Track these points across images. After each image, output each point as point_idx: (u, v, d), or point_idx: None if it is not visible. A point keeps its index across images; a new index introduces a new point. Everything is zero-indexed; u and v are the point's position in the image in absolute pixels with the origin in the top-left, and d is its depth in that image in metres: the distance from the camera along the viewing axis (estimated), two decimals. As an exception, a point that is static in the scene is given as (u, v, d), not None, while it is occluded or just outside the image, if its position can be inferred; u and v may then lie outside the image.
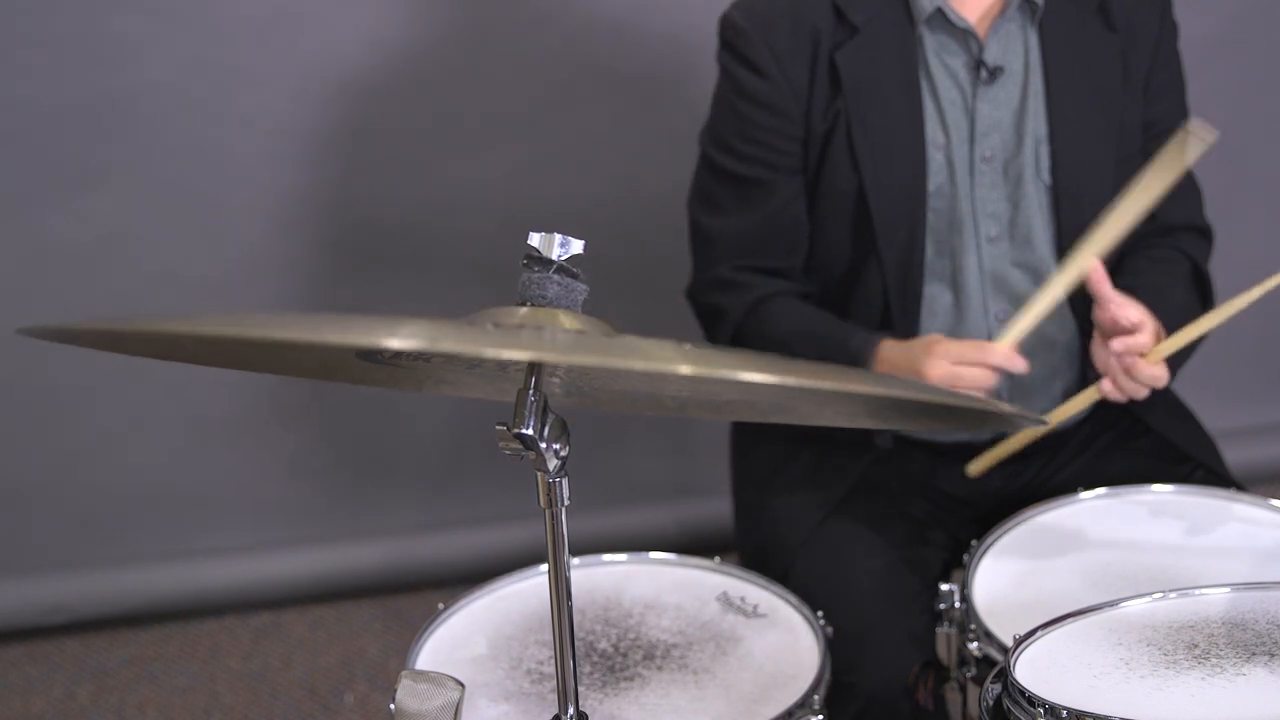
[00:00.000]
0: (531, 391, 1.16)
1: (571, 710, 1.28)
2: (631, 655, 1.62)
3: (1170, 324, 1.83)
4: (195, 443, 2.87)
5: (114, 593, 2.86)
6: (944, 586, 1.71)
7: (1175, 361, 1.86)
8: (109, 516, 2.87)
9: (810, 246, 2.00)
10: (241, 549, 2.91)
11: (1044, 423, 1.37)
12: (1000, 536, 1.77)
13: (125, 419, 2.83)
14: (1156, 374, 1.81)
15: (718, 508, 2.59)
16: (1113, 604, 1.45)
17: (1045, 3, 1.91)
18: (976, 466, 1.97)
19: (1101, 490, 1.84)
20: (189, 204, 2.72)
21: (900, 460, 2.01)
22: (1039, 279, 1.95)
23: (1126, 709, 1.28)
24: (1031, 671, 1.36)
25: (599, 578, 1.77)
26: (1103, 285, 1.84)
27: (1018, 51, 1.93)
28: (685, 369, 1.01)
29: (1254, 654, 1.35)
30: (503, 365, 1.26)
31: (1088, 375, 1.95)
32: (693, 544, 2.42)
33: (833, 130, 1.92)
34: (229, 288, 2.76)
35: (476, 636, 1.67)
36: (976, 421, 1.60)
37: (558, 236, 1.22)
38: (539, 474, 1.21)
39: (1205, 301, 2.00)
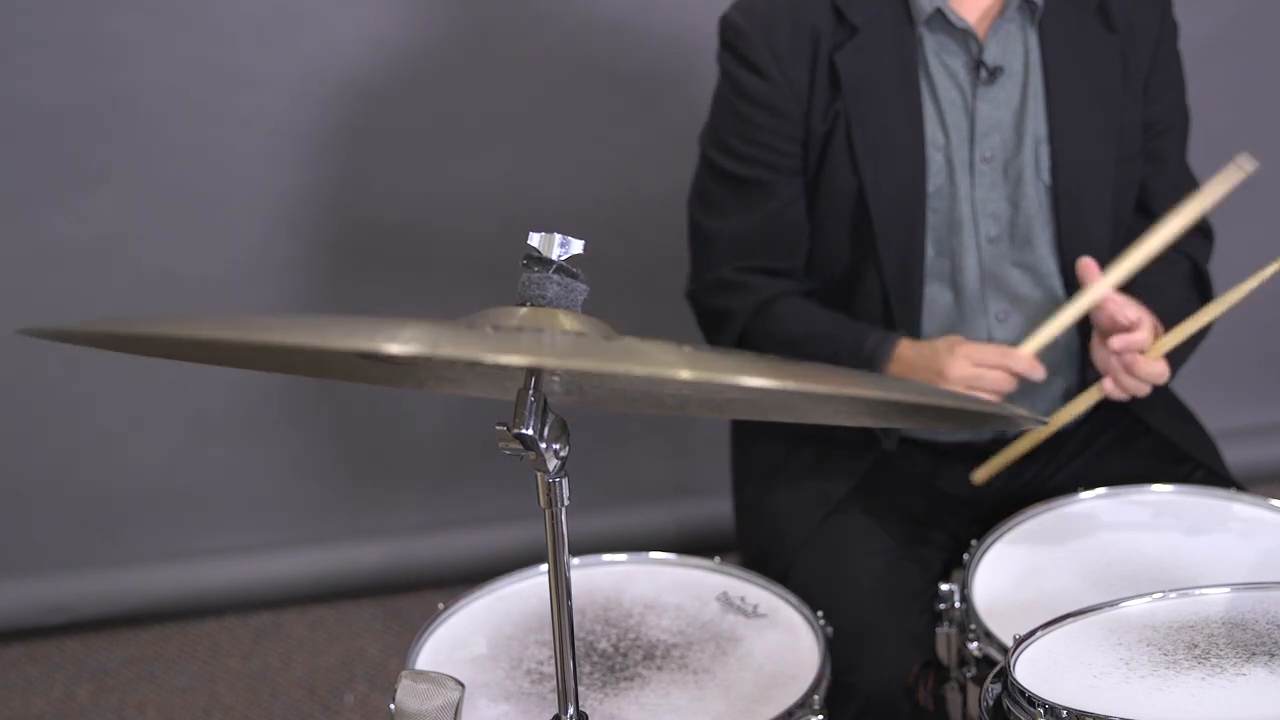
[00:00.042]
0: (531, 392, 1.16)
1: (571, 710, 1.28)
2: (631, 655, 1.62)
3: (1169, 322, 1.83)
4: (195, 442, 2.87)
5: (114, 593, 2.86)
6: (944, 586, 1.71)
7: (1176, 360, 1.86)
8: (109, 516, 2.87)
9: (810, 247, 2.00)
10: (241, 549, 2.91)
11: (1044, 422, 1.37)
12: (1000, 536, 1.77)
13: (125, 419, 2.83)
14: (1157, 370, 1.82)
15: (718, 508, 2.59)
16: (1113, 604, 1.45)
17: (1045, 3, 1.92)
18: (982, 474, 1.97)
19: (1101, 490, 1.84)
20: (189, 204, 2.72)
21: (901, 460, 2.01)
22: (1039, 279, 1.95)
23: (1126, 709, 1.28)
24: (1031, 671, 1.36)
25: (599, 578, 1.77)
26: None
27: (1017, 52, 1.93)
28: (685, 374, 1.01)
29: (1254, 654, 1.35)
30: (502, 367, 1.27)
31: (1088, 375, 1.95)
32: (693, 544, 2.42)
33: (832, 131, 1.92)
34: (229, 288, 2.76)
35: (476, 636, 1.67)
36: (978, 422, 1.61)
37: (558, 236, 1.22)
38: (539, 474, 1.21)
39: (1205, 300, 2.00)
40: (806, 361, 1.16)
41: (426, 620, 1.68)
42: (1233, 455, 2.08)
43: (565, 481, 1.21)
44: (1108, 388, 1.85)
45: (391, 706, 1.25)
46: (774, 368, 1.06)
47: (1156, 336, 1.83)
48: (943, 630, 1.72)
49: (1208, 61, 2.42)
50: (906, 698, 1.77)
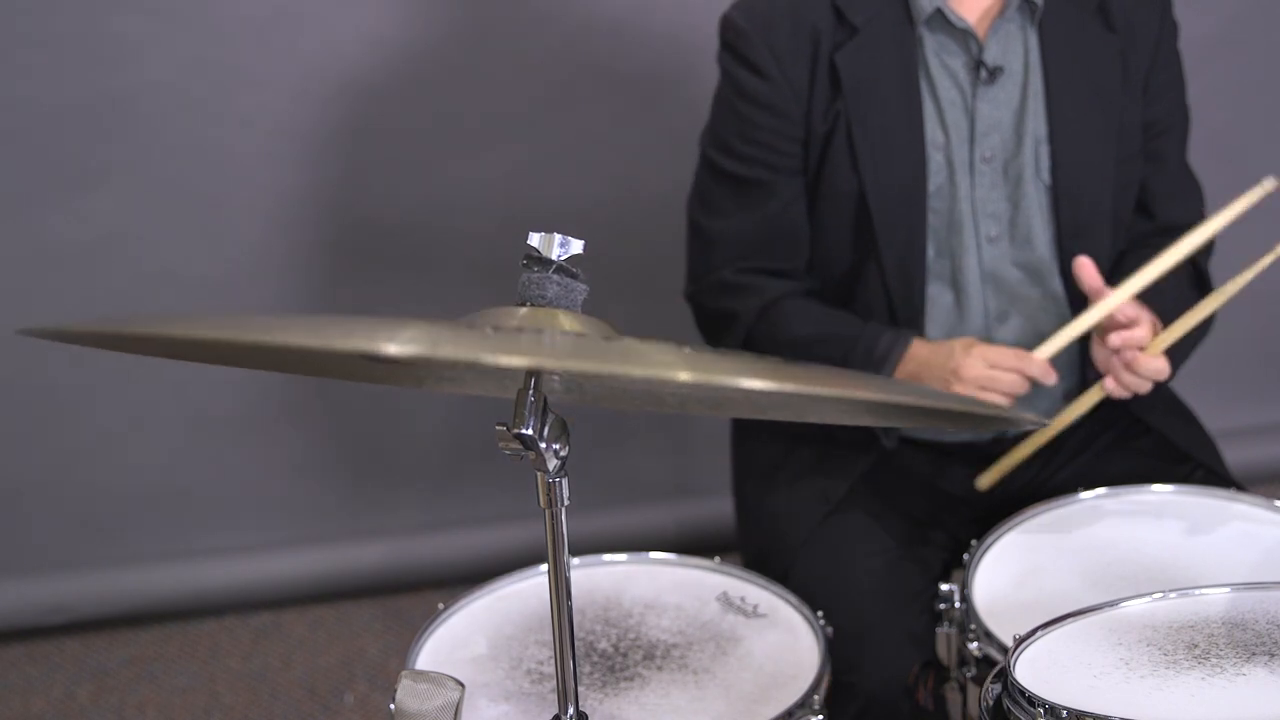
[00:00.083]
0: (531, 392, 1.16)
1: (571, 710, 1.28)
2: (631, 655, 1.62)
3: (1169, 320, 1.83)
4: (195, 442, 2.87)
5: (114, 593, 2.86)
6: (944, 586, 1.71)
7: (1177, 359, 1.86)
8: (109, 516, 2.87)
9: (811, 247, 2.00)
10: (241, 549, 2.91)
11: (1045, 424, 1.38)
12: (1000, 536, 1.77)
13: (125, 419, 2.83)
14: (1158, 367, 1.82)
15: (718, 507, 2.59)
16: (1113, 604, 1.45)
17: (1045, 3, 1.92)
18: (987, 480, 1.97)
19: (1101, 490, 1.84)
20: (189, 204, 2.72)
21: (901, 460, 2.01)
22: (1039, 279, 1.95)
23: (1126, 709, 1.28)
24: (1031, 671, 1.36)
25: (599, 578, 1.77)
26: (1094, 281, 1.85)
27: (1017, 52, 1.93)
28: (684, 375, 1.01)
29: (1254, 654, 1.35)
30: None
31: (1088, 375, 1.95)
32: (693, 544, 2.42)
33: (833, 131, 1.92)
34: (229, 288, 2.77)
35: (476, 636, 1.67)
36: (979, 423, 1.61)
37: (558, 236, 1.22)
38: (539, 474, 1.21)
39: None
40: (814, 363, 1.16)
41: (426, 620, 1.68)
42: (1233, 455, 2.09)
43: (565, 481, 1.21)
44: (1109, 386, 1.85)
45: (391, 706, 1.25)
46: (773, 369, 1.06)
47: (1156, 334, 1.84)
48: (943, 630, 1.71)
49: (1208, 61, 2.42)
50: (906, 698, 1.77)
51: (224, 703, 2.68)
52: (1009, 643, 1.42)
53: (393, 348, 0.99)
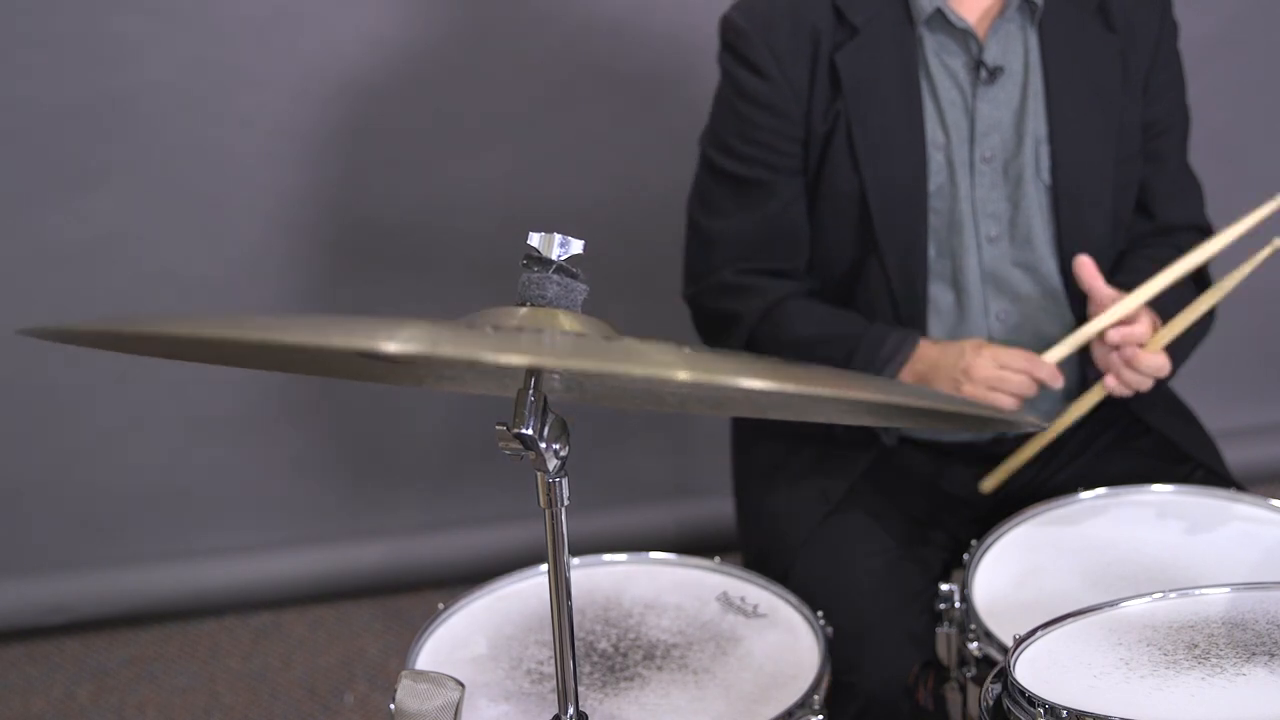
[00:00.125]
0: (531, 392, 1.16)
1: (571, 710, 1.28)
2: (631, 655, 1.62)
3: (1168, 317, 1.84)
4: (195, 442, 2.87)
5: (114, 593, 2.86)
6: (944, 586, 1.71)
7: (1178, 356, 1.87)
8: (109, 516, 2.87)
9: (811, 247, 2.00)
10: (241, 549, 2.91)
11: (1044, 427, 1.38)
12: (1000, 536, 1.77)
13: (125, 419, 2.83)
14: (1158, 363, 1.82)
15: (718, 507, 2.59)
16: (1113, 604, 1.45)
17: (1045, 3, 1.92)
18: (990, 483, 1.97)
19: (1101, 490, 1.84)
20: (189, 204, 2.72)
21: (901, 460, 2.01)
22: (1039, 279, 1.95)
23: (1126, 709, 1.28)
24: (1031, 671, 1.36)
25: (599, 578, 1.77)
26: (1095, 280, 1.85)
27: (1017, 52, 1.93)
28: (683, 375, 1.01)
29: (1254, 654, 1.35)
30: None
31: (1088, 375, 1.95)
32: (693, 544, 2.42)
33: (833, 131, 1.92)
34: (229, 288, 2.77)
35: (476, 636, 1.67)
36: (979, 424, 1.61)
37: (557, 236, 1.22)
38: (539, 474, 1.21)
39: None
40: (818, 363, 1.16)
41: (426, 620, 1.68)
42: (1233, 455, 2.08)
43: (565, 481, 1.21)
44: (1110, 384, 1.85)
45: (391, 706, 1.25)
46: (773, 369, 1.06)
47: (1155, 330, 1.84)
48: (943, 630, 1.71)
49: (1208, 61, 2.42)
50: (906, 698, 1.77)
51: (224, 703, 2.68)
52: (1009, 643, 1.42)
53: (392, 346, 1.00)
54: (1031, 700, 1.31)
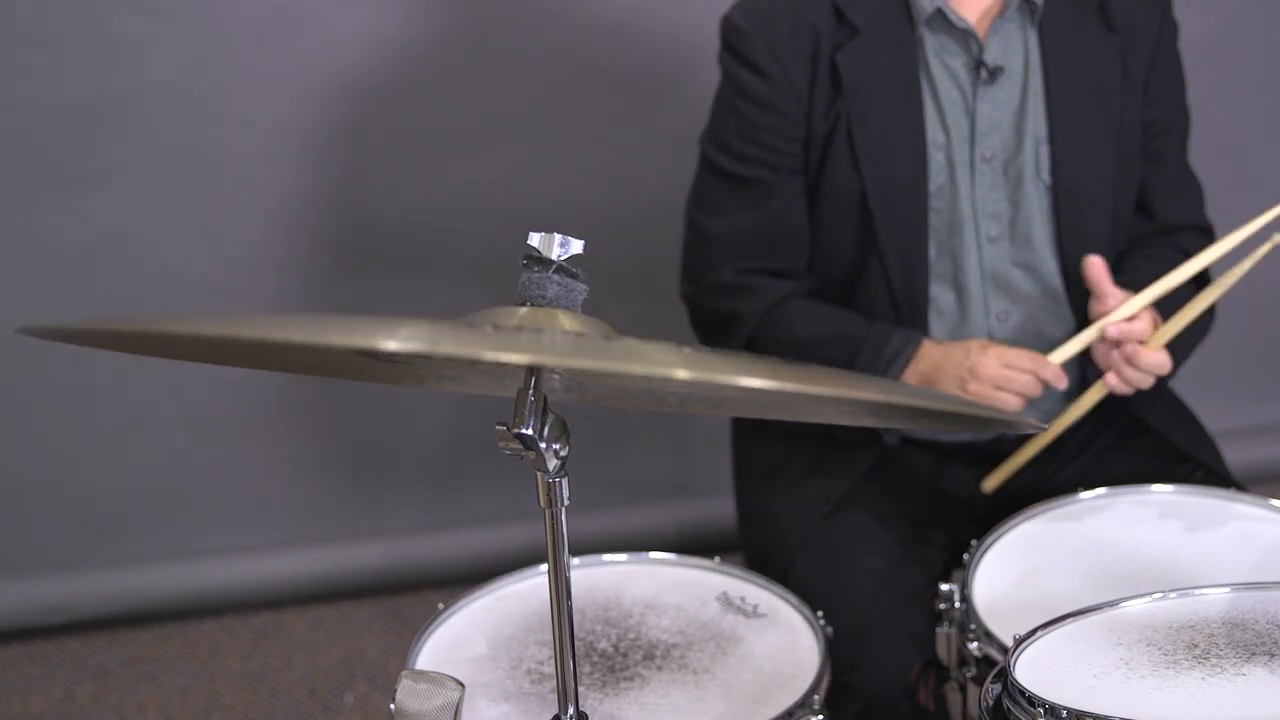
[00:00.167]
0: (531, 392, 1.16)
1: (571, 710, 1.28)
2: (631, 655, 1.62)
3: (1168, 314, 1.84)
4: (195, 442, 2.87)
5: (114, 593, 2.86)
6: (944, 586, 1.71)
7: (1178, 355, 1.87)
8: (109, 516, 2.87)
9: (812, 247, 2.00)
10: (241, 549, 2.91)
11: (1044, 429, 1.38)
12: (1000, 536, 1.77)
13: (125, 419, 2.83)
14: (1159, 360, 1.82)
15: (718, 508, 2.59)
16: (1113, 604, 1.45)
17: (1045, 3, 1.92)
18: (992, 482, 1.97)
19: (1101, 490, 1.84)
20: (189, 204, 2.72)
21: (902, 460, 2.01)
22: (1039, 279, 1.95)
23: (1126, 709, 1.28)
24: (1031, 671, 1.36)
25: (599, 578, 1.77)
26: (1102, 281, 1.85)
27: (1017, 51, 1.93)
28: (683, 374, 1.01)
29: (1254, 654, 1.35)
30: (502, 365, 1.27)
31: (1088, 375, 1.95)
32: (693, 544, 2.42)
33: (833, 131, 1.92)
34: (229, 288, 2.77)
35: (476, 636, 1.67)
36: (980, 425, 1.61)
37: (558, 236, 1.22)
38: (539, 474, 1.21)
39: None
40: (820, 363, 1.16)
41: (426, 620, 1.68)
42: (1233, 455, 2.08)
43: (565, 481, 1.21)
44: (1111, 382, 1.85)
45: (391, 706, 1.25)
46: (773, 369, 1.06)
47: (1155, 327, 1.84)
48: (943, 630, 1.71)
49: (1208, 61, 2.42)
50: (907, 698, 1.77)
51: (224, 703, 2.68)
52: (1009, 643, 1.42)
53: (392, 344, 1.00)
54: (1031, 700, 1.31)
